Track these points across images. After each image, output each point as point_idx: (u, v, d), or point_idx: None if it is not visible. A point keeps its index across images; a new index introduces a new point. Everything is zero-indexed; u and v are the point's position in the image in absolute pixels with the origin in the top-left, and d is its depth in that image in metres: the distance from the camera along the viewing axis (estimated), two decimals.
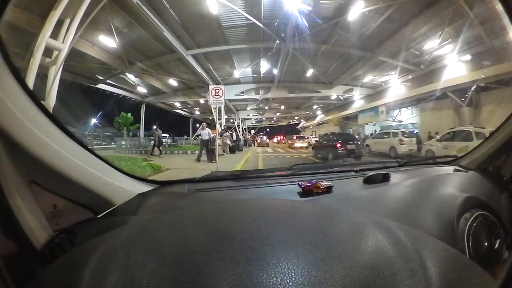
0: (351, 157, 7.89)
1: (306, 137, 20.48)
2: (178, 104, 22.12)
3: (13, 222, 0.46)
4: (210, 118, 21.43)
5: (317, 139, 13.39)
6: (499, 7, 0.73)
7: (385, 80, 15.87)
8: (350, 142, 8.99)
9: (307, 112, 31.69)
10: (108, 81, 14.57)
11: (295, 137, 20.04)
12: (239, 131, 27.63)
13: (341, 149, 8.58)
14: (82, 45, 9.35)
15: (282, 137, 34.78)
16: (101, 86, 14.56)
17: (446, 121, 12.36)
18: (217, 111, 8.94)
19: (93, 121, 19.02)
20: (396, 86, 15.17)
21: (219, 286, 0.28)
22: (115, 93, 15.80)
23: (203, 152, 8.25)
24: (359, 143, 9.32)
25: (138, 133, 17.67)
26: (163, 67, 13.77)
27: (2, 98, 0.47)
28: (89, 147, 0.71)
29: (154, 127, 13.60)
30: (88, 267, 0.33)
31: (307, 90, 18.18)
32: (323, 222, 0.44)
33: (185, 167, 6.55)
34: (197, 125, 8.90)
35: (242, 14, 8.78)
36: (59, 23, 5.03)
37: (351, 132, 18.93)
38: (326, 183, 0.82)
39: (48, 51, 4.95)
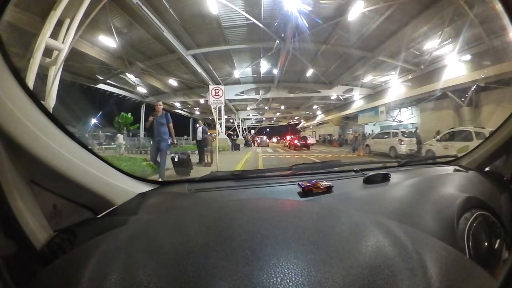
0: (304, 149, 17.21)
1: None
2: (178, 104, 22.13)
3: (13, 222, 0.46)
4: (210, 118, 21.42)
5: (289, 140, 22.75)
6: (499, 7, 0.73)
7: (385, 80, 15.88)
8: (301, 141, 18.63)
9: (307, 112, 31.71)
10: (108, 81, 14.60)
11: (285, 138, 31.09)
12: (239, 131, 27.65)
13: (299, 143, 18.09)
14: (82, 45, 9.36)
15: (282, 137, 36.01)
16: (101, 86, 14.58)
17: (446, 121, 12.37)
18: (217, 111, 8.93)
19: (93, 121, 19.03)
20: (396, 86, 15.17)
21: (219, 286, 0.28)
22: (115, 93, 15.82)
23: None
24: (308, 141, 18.79)
25: (138, 133, 17.70)
26: (163, 67, 13.78)
27: (2, 98, 0.47)
28: (89, 147, 0.70)
29: None
30: (88, 267, 0.33)
31: (307, 90, 18.20)
32: (323, 222, 0.44)
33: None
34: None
35: (242, 14, 8.78)
36: (59, 23, 5.04)
37: (351, 132, 24.17)
38: (326, 183, 0.82)
39: (48, 51, 4.96)
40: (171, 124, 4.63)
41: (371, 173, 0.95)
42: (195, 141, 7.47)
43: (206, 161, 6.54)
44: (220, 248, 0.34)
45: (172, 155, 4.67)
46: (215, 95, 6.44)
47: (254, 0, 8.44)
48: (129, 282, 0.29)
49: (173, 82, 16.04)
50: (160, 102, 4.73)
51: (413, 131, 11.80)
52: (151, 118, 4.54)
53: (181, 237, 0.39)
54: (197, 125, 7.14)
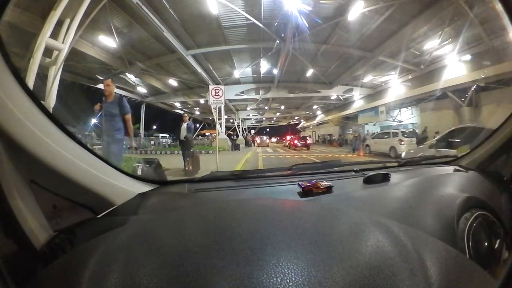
0: (304, 149, 17.51)
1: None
2: (178, 104, 22.14)
3: (13, 222, 0.46)
4: (210, 118, 21.40)
5: (289, 140, 23.43)
6: (499, 7, 0.73)
7: (385, 80, 15.86)
8: (301, 141, 19.17)
9: (307, 112, 31.70)
10: None
11: (285, 138, 31.30)
12: (239, 131, 27.67)
13: (299, 143, 18.56)
14: (82, 45, 9.35)
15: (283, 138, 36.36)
16: (101, 86, 14.54)
17: (446, 121, 12.36)
18: (217, 111, 8.91)
19: (93, 121, 19.02)
20: (396, 86, 15.16)
21: (219, 286, 0.28)
22: (115, 93, 15.80)
23: None
24: (307, 141, 19.17)
25: (139, 133, 17.72)
26: (163, 67, 13.77)
27: (2, 98, 0.47)
28: (89, 146, 0.70)
29: None
30: (88, 267, 0.33)
31: (307, 90, 18.19)
32: (323, 222, 0.44)
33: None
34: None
35: (242, 14, 8.78)
36: (59, 23, 5.04)
37: (351, 132, 24.38)
38: (326, 183, 0.82)
39: (48, 51, 4.95)
40: (128, 116, 3.01)
41: (371, 173, 0.95)
42: (178, 141, 6.24)
43: (187, 168, 5.21)
44: (220, 248, 0.34)
45: (136, 164, 3.28)
46: (215, 95, 6.45)
47: (254, 0, 8.43)
48: (129, 282, 0.29)
49: (173, 82, 16.03)
50: (110, 81, 3.03)
51: (421, 131, 11.78)
52: (98, 106, 2.94)
53: (181, 237, 0.39)
54: (183, 122, 5.82)
